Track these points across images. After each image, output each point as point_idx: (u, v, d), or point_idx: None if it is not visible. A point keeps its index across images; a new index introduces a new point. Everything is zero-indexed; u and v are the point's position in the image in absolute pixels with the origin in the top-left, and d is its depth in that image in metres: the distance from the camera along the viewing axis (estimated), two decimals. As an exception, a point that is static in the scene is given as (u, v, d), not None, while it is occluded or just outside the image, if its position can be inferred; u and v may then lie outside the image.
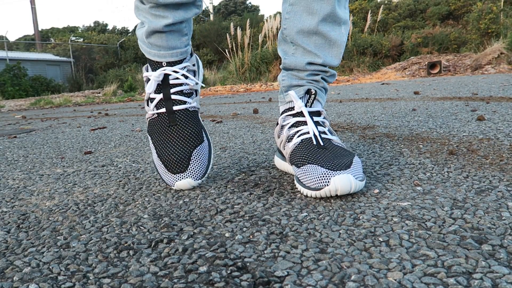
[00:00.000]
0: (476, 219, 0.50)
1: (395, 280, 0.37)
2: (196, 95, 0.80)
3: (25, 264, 0.46)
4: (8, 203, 0.73)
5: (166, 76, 0.75)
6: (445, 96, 2.36)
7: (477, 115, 1.41)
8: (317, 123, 0.73)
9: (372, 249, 0.44)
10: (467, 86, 3.06)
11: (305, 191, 0.63)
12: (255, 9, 24.33)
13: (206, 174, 0.74)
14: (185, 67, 0.77)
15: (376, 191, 0.64)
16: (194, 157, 0.73)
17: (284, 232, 0.50)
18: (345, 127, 1.38)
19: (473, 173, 0.70)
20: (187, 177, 0.71)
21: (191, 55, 0.80)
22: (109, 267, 0.44)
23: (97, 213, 0.64)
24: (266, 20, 8.82)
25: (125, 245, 0.50)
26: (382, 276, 0.38)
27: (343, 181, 0.59)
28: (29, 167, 1.09)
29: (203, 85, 0.81)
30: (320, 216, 0.55)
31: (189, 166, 0.72)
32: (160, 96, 0.75)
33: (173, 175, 0.72)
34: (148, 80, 0.77)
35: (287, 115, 0.76)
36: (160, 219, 0.58)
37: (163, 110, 0.75)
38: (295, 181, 0.67)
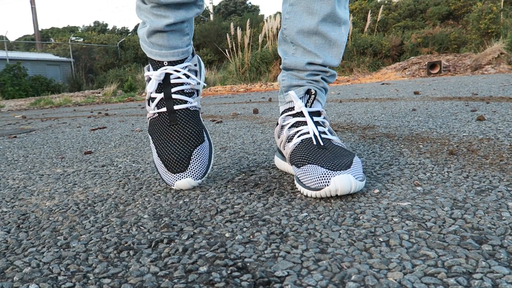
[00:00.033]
0: (476, 219, 0.50)
1: (395, 280, 0.37)
2: (198, 95, 0.79)
3: (25, 264, 0.46)
4: (8, 203, 0.73)
5: (167, 75, 0.75)
6: (445, 96, 2.36)
7: (477, 115, 1.41)
8: (317, 123, 0.73)
9: (372, 249, 0.44)
10: (467, 86, 3.06)
11: (305, 191, 0.63)
12: (255, 9, 24.33)
13: (206, 174, 0.74)
14: (186, 67, 0.77)
15: (376, 191, 0.64)
16: (195, 157, 0.73)
17: (284, 232, 0.50)
18: (345, 127, 1.38)
19: (473, 173, 0.70)
20: (187, 177, 0.71)
21: (193, 55, 0.80)
22: (109, 267, 0.44)
23: (97, 213, 0.64)
24: (266, 20, 8.82)
25: (125, 245, 0.50)
26: (382, 276, 0.38)
27: (343, 181, 0.59)
28: (29, 167, 1.09)
29: (205, 85, 0.81)
30: (320, 216, 0.55)
31: (189, 165, 0.72)
32: (161, 95, 0.75)
33: (173, 174, 0.72)
34: (149, 79, 0.77)
35: (287, 115, 0.76)
36: (160, 219, 0.58)
37: (164, 109, 0.75)
38: (295, 181, 0.67)
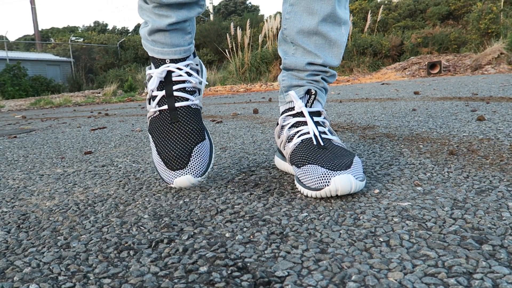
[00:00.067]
0: (477, 219, 0.50)
1: (396, 280, 0.37)
2: (199, 94, 0.79)
3: (26, 264, 0.46)
4: (8, 203, 0.73)
5: (169, 73, 0.75)
6: (445, 96, 2.36)
7: (477, 115, 1.41)
8: (317, 123, 0.73)
9: (373, 249, 0.44)
10: (467, 86, 3.06)
11: (305, 191, 0.63)
12: (255, 9, 24.33)
13: (206, 173, 0.73)
14: (188, 65, 0.77)
15: (377, 191, 0.64)
16: (195, 154, 0.72)
17: (284, 232, 0.50)
18: (345, 127, 1.38)
19: (473, 173, 0.70)
20: (186, 174, 0.70)
21: (194, 55, 0.80)
22: (109, 267, 0.44)
23: (97, 213, 0.64)
24: (266, 20, 8.82)
25: (126, 245, 0.50)
26: (382, 276, 0.38)
27: (344, 181, 0.59)
28: (29, 167, 1.09)
29: (207, 83, 0.80)
30: (321, 216, 0.55)
31: (189, 162, 0.71)
32: (163, 93, 0.74)
33: (172, 172, 0.71)
34: (151, 77, 0.76)
35: (287, 115, 0.76)
36: (161, 219, 0.58)
37: (165, 107, 0.74)
38: (296, 181, 0.67)
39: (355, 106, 2.19)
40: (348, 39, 7.19)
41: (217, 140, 1.33)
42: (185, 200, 0.67)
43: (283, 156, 0.81)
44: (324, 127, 0.73)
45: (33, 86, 10.51)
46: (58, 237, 0.54)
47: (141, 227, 0.56)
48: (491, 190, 0.60)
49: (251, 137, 1.34)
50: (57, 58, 14.38)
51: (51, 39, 18.66)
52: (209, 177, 0.81)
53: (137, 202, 0.68)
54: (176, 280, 0.40)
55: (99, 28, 24.14)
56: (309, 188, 0.62)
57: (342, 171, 0.61)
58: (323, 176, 0.60)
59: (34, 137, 1.86)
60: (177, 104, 0.74)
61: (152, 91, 0.75)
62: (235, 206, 0.62)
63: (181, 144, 0.72)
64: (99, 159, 1.13)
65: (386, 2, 12.52)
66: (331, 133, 0.74)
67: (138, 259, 0.46)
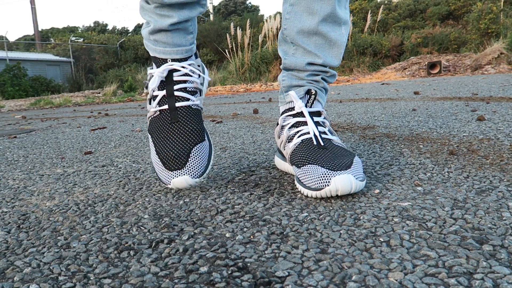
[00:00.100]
0: (477, 219, 0.50)
1: (396, 280, 0.37)
2: (200, 95, 0.78)
3: (26, 264, 0.46)
4: (8, 203, 0.73)
5: (170, 73, 0.75)
6: (445, 96, 2.36)
7: (477, 115, 1.41)
8: (317, 123, 0.73)
9: (373, 249, 0.44)
10: (467, 86, 3.06)
11: (305, 191, 0.63)
12: (255, 9, 24.33)
13: (205, 174, 0.72)
14: (190, 65, 0.76)
15: (377, 191, 0.64)
16: (194, 154, 0.71)
17: (284, 233, 0.50)
18: (345, 127, 1.38)
19: (473, 173, 0.70)
20: (184, 174, 0.69)
21: (196, 56, 0.80)
22: (109, 268, 0.44)
23: (98, 213, 0.64)
24: (266, 20, 8.82)
25: (126, 245, 0.50)
26: (383, 277, 0.38)
27: (344, 181, 0.59)
28: (29, 167, 1.09)
29: (209, 78, 0.80)
30: (321, 216, 0.55)
31: (188, 163, 0.70)
32: (163, 92, 0.74)
33: (170, 172, 0.70)
34: (152, 77, 0.76)
35: (287, 116, 0.76)
36: (161, 219, 0.58)
37: (166, 107, 0.74)
38: (296, 181, 0.67)
39: (355, 106, 2.19)
40: (348, 39, 7.19)
41: (217, 140, 1.33)
42: (185, 200, 0.67)
43: (283, 156, 0.81)
44: (324, 127, 0.73)
45: (33, 86, 10.51)
46: (58, 237, 0.54)
47: (141, 227, 0.56)
48: (491, 190, 0.60)
49: (251, 137, 1.34)
50: (57, 58, 14.38)
51: (51, 39, 18.67)
52: (209, 177, 0.81)
53: (137, 202, 0.68)
54: (176, 280, 0.40)
55: (99, 28, 24.15)
56: (309, 188, 0.62)
57: (342, 171, 0.61)
58: (323, 176, 0.60)
59: (34, 137, 1.86)
60: (177, 104, 0.73)
61: (153, 91, 0.75)
62: (235, 206, 0.62)
63: (180, 144, 0.71)
64: (99, 159, 1.13)
65: (386, 2, 12.52)
66: (331, 133, 0.74)
67: (139, 259, 0.46)
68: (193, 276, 0.41)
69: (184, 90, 0.75)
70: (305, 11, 0.73)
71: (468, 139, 1.01)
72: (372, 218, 0.53)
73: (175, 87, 0.74)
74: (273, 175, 0.79)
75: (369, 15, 9.42)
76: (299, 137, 0.72)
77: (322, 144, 0.69)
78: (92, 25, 25.41)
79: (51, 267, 0.45)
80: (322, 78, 0.78)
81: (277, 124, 0.79)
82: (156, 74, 0.74)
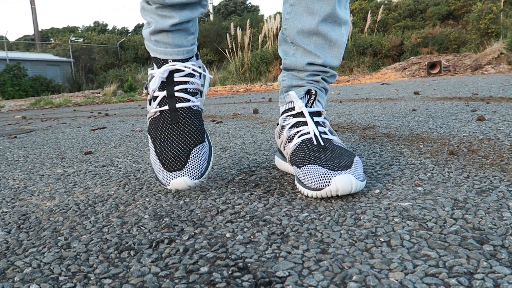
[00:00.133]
0: (477, 220, 0.50)
1: (397, 280, 0.37)
2: (201, 96, 0.78)
3: (26, 264, 0.46)
4: (8, 204, 0.73)
5: (171, 73, 0.74)
6: (445, 96, 2.36)
7: (477, 115, 1.41)
8: (317, 123, 0.73)
9: (373, 249, 0.44)
10: (467, 86, 3.06)
11: (305, 192, 0.63)
12: (255, 9, 24.34)
13: (204, 176, 0.71)
14: (190, 66, 0.76)
15: (377, 191, 0.64)
16: (193, 155, 0.70)
17: (285, 233, 0.50)
18: (345, 127, 1.38)
19: (473, 173, 0.70)
20: (183, 175, 0.68)
21: (197, 57, 0.80)
22: (110, 268, 0.44)
23: (98, 213, 0.64)
24: (266, 20, 8.82)
25: (126, 245, 0.50)
26: (383, 277, 0.38)
27: (344, 181, 0.59)
28: (30, 167, 1.09)
29: (211, 76, 0.80)
30: (321, 217, 0.55)
31: (187, 164, 0.69)
32: (164, 93, 0.73)
33: (169, 173, 0.69)
34: (153, 78, 0.76)
35: (287, 116, 0.76)
36: (161, 220, 0.58)
37: (166, 107, 0.73)
38: (296, 182, 0.67)
39: (355, 106, 2.19)
40: (348, 39, 7.19)
41: (217, 140, 1.33)
42: (185, 200, 0.67)
43: (283, 156, 0.81)
44: (325, 127, 0.73)
45: (33, 86, 10.52)
46: (59, 237, 0.54)
47: (141, 227, 0.56)
48: (491, 190, 0.60)
49: (251, 137, 1.34)
50: (57, 58, 14.39)
51: (51, 39, 18.68)
52: (209, 177, 0.81)
53: (137, 202, 0.68)
54: (177, 281, 0.40)
55: (99, 28, 24.15)
56: (309, 188, 0.62)
57: (342, 171, 0.61)
58: (324, 176, 0.60)
59: (34, 137, 1.86)
60: (178, 105, 0.73)
61: (154, 92, 0.74)
62: (236, 206, 0.62)
63: (179, 145, 0.71)
64: (99, 159, 1.13)
65: (386, 2, 12.53)
66: (331, 133, 0.74)
67: (139, 259, 0.46)
68: (193, 276, 0.41)
69: (184, 91, 0.74)
70: (305, 11, 0.73)
71: (468, 139, 1.01)
72: (373, 218, 0.53)
73: (176, 88, 0.74)
74: (273, 175, 0.79)
75: (369, 15, 9.42)
76: (299, 137, 0.72)
77: (322, 144, 0.69)
78: (92, 25, 25.43)
79: (51, 267, 0.45)
80: (322, 78, 0.78)
81: (277, 124, 0.79)
82: (156, 74, 0.73)
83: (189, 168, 0.69)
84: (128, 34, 21.77)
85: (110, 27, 25.39)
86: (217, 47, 11.23)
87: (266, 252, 0.45)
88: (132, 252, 0.48)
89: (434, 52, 8.78)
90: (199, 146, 0.72)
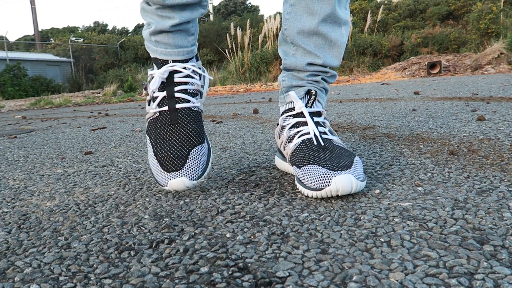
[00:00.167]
0: (478, 220, 0.50)
1: (397, 280, 0.37)
2: (201, 97, 0.77)
3: (26, 264, 0.46)
4: (8, 204, 0.73)
5: (171, 74, 0.74)
6: (445, 96, 2.36)
7: (477, 115, 1.41)
8: (317, 124, 0.73)
9: (374, 249, 0.44)
10: (467, 86, 3.06)
11: (306, 192, 0.63)
12: (255, 9, 24.34)
13: (203, 177, 0.70)
14: (191, 67, 0.76)
15: (377, 191, 0.64)
16: (192, 156, 0.70)
17: (285, 233, 0.50)
18: (345, 127, 1.38)
19: (474, 173, 0.70)
20: (181, 176, 0.67)
21: (197, 59, 0.80)
22: (110, 268, 0.44)
23: (98, 213, 0.64)
24: (266, 20, 8.82)
25: (126, 245, 0.50)
26: (383, 277, 0.38)
27: (344, 182, 0.59)
28: (30, 167, 1.09)
29: (211, 77, 0.80)
30: (321, 217, 0.55)
31: (186, 164, 0.68)
32: (164, 94, 0.73)
33: (167, 173, 0.68)
34: (152, 78, 0.76)
35: (287, 116, 0.76)
36: (161, 220, 0.58)
37: (166, 108, 0.73)
38: (296, 182, 0.67)
39: (355, 106, 2.19)
40: (348, 39, 7.19)
41: (217, 140, 1.33)
42: (185, 201, 0.67)
43: (283, 157, 0.81)
44: (325, 127, 0.73)
45: (33, 86, 10.52)
46: (59, 238, 0.54)
47: (141, 228, 0.56)
48: (492, 190, 0.60)
49: (251, 137, 1.34)
50: (57, 58, 14.39)
51: (51, 39, 18.68)
52: (209, 178, 0.81)
53: (137, 203, 0.68)
54: (177, 281, 0.40)
55: (99, 28, 24.15)
56: (309, 188, 0.62)
57: (342, 171, 0.61)
58: (324, 176, 0.60)
59: (34, 137, 1.86)
60: (177, 106, 0.73)
61: (153, 92, 0.74)
62: (236, 207, 0.62)
63: (178, 145, 0.70)
64: (99, 160, 1.13)
65: (386, 2, 12.53)
66: (331, 133, 0.74)
67: (139, 259, 0.46)
68: (193, 276, 0.41)
69: (185, 91, 0.74)
70: (305, 11, 0.73)
71: (468, 139, 1.01)
72: (373, 218, 0.53)
73: (176, 88, 0.73)
74: (273, 175, 0.79)
75: (369, 15, 9.42)
76: (299, 137, 0.72)
77: (322, 144, 0.69)
78: (92, 25, 25.43)
79: (51, 267, 0.45)
80: (322, 79, 0.78)
81: (277, 124, 0.79)
82: (156, 75, 0.73)
83: (187, 169, 0.68)
84: (128, 34, 21.76)
85: (110, 27, 25.40)
86: (217, 47, 11.23)
87: (266, 252, 0.45)
88: (132, 252, 0.48)
89: (434, 52, 8.78)
90: (198, 146, 0.72)
